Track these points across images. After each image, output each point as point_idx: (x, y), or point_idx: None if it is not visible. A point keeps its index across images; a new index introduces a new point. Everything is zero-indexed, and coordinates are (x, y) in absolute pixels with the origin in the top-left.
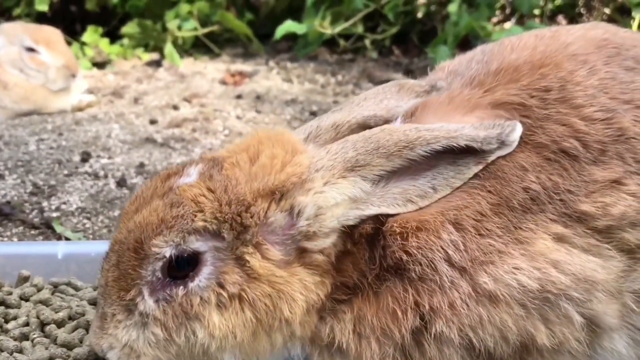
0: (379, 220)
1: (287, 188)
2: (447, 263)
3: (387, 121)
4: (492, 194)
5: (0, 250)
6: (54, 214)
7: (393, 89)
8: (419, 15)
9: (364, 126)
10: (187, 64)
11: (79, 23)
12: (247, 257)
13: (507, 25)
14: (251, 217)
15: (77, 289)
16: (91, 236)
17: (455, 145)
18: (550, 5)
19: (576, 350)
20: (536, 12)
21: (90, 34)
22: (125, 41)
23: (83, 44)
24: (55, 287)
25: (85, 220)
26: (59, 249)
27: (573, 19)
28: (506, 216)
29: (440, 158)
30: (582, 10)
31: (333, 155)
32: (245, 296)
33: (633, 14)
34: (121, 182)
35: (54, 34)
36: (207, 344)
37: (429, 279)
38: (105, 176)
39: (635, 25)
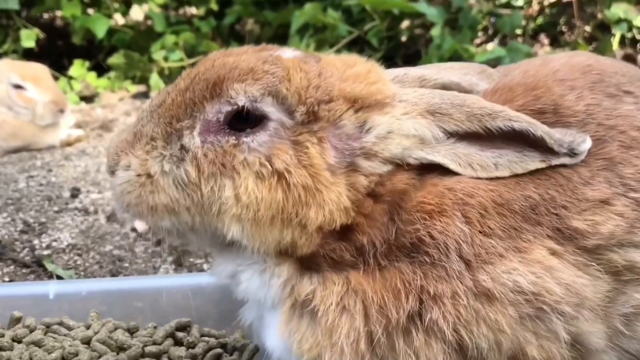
0: (412, 186)
1: (370, 102)
2: (457, 253)
3: (466, 92)
4: (496, 193)
5: None
6: (45, 252)
7: (477, 69)
8: (403, 39)
9: (446, 88)
10: None
11: (66, 57)
12: (308, 144)
13: (490, 46)
14: (328, 111)
15: (69, 328)
16: (82, 273)
17: (532, 131)
18: (532, 25)
19: None
20: (518, 31)
21: (77, 68)
22: (113, 74)
23: (70, 78)
24: (48, 327)
25: (76, 257)
26: (50, 288)
27: (555, 37)
28: (507, 218)
29: (511, 142)
30: (564, 29)
31: (420, 95)
32: (286, 177)
33: (613, 31)
34: (111, 217)
35: (41, 70)
36: (229, 204)
37: (440, 266)
38: (96, 211)
39: (615, 42)
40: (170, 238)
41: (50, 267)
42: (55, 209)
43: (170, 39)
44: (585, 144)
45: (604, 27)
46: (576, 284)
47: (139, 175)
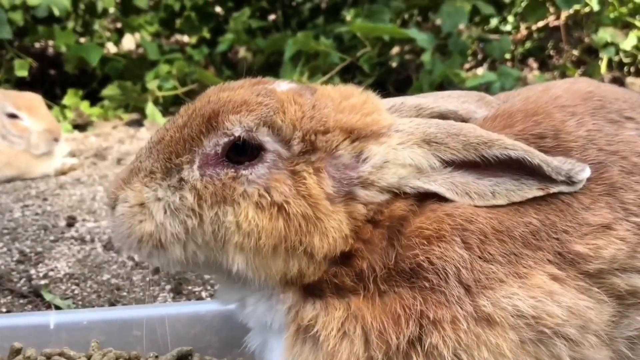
0: (411, 212)
1: (366, 133)
2: (457, 279)
3: (464, 121)
4: (495, 220)
5: None
6: (42, 282)
7: (475, 97)
8: (394, 65)
9: (443, 117)
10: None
11: (58, 86)
12: (305, 175)
13: (479, 71)
14: (325, 142)
15: (70, 358)
16: (80, 303)
17: (528, 159)
18: (520, 49)
19: None
20: (507, 56)
21: (71, 97)
22: (106, 102)
23: (64, 107)
24: (49, 358)
25: (74, 287)
26: (51, 318)
27: (543, 61)
28: (507, 244)
29: (508, 170)
30: (552, 53)
31: (415, 125)
32: (286, 208)
33: (600, 54)
34: (108, 246)
35: (35, 99)
36: (231, 231)
37: (439, 291)
38: (92, 240)
39: (603, 65)
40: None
41: (48, 297)
42: (52, 238)
43: (164, 68)
44: (584, 172)
45: (591, 51)
46: (578, 306)
47: (132, 205)
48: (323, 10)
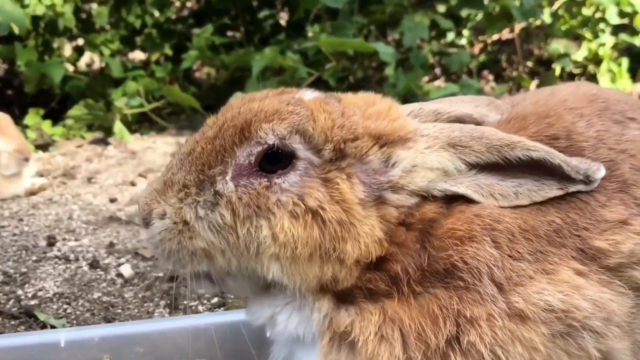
0: (440, 214)
1: (393, 138)
2: (489, 277)
3: (478, 124)
4: (521, 220)
5: (1, 343)
6: (32, 302)
7: (485, 101)
8: (358, 78)
9: (459, 121)
10: (135, 140)
11: (17, 106)
12: (338, 181)
13: (437, 83)
14: (354, 148)
15: None
16: (75, 322)
17: (549, 159)
18: (475, 62)
19: None
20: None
21: (32, 117)
22: (69, 122)
23: (25, 127)
24: None
25: (65, 306)
26: (61, 336)
27: (498, 73)
28: (533, 242)
29: (529, 171)
30: (505, 65)
31: (440, 129)
32: (321, 214)
33: (553, 65)
34: (94, 264)
35: (4, 119)
36: (267, 244)
37: (474, 290)
38: (77, 259)
39: (557, 74)
40: (205, 284)
41: (42, 316)
42: (34, 258)
43: (131, 85)
44: (600, 171)
45: (543, 62)
46: (602, 299)
47: (175, 222)
48: (285, 27)
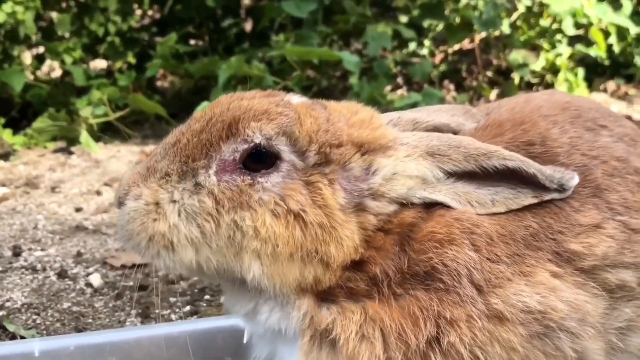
0: (420, 219)
1: (375, 146)
2: (469, 279)
3: (455, 133)
4: (499, 225)
5: None
6: (0, 313)
7: (461, 110)
8: (324, 86)
9: (437, 130)
10: (99, 149)
11: None
12: (321, 185)
13: (399, 92)
14: (339, 155)
15: None
16: (45, 332)
17: (524, 169)
18: (436, 72)
19: None
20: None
21: None
22: (30, 131)
23: None
24: None
25: (34, 316)
26: (35, 346)
27: (459, 83)
28: (511, 246)
29: (505, 179)
30: (465, 75)
31: (419, 138)
32: (303, 216)
33: (512, 75)
34: (62, 274)
35: None
36: (249, 236)
37: (454, 292)
38: (44, 269)
39: (516, 83)
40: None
41: (11, 327)
42: (0, 268)
43: (96, 94)
44: (574, 180)
45: (501, 72)
46: (578, 301)
47: (147, 203)
48: (249, 35)
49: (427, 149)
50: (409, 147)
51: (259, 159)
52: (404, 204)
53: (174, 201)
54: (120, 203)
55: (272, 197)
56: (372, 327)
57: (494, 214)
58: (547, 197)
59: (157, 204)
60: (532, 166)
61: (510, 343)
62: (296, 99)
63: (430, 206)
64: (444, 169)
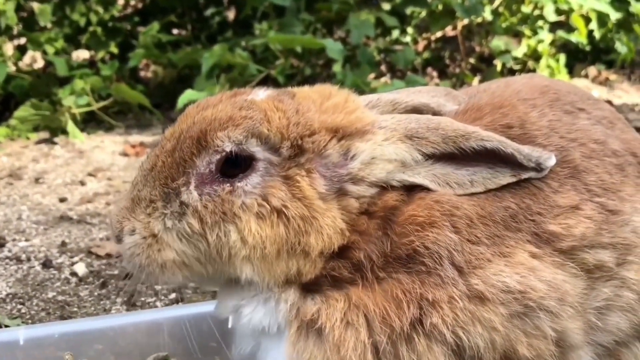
0: (401, 202)
1: (351, 131)
2: (450, 261)
3: (435, 114)
4: (478, 206)
5: None
6: None
7: (443, 92)
8: (308, 74)
9: (417, 111)
10: (83, 140)
11: None
12: (298, 178)
13: (383, 80)
14: (312, 143)
15: None
16: (30, 321)
17: (502, 149)
18: (419, 60)
19: None
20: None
21: None
22: (13, 122)
23: None
24: None
25: (19, 306)
26: (20, 334)
27: (442, 70)
28: (491, 227)
29: (483, 160)
30: (448, 62)
31: (397, 121)
32: (285, 212)
33: (495, 61)
34: (47, 263)
35: None
36: (237, 247)
37: (435, 274)
38: (28, 259)
39: (498, 70)
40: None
41: None
42: None
43: (78, 84)
44: (551, 160)
45: (484, 59)
46: (556, 280)
47: (144, 237)
48: (231, 24)
49: (405, 132)
50: (387, 130)
51: (235, 165)
52: (384, 187)
53: (169, 228)
54: (118, 240)
55: (255, 199)
56: (356, 314)
57: (473, 195)
58: (525, 175)
59: (154, 235)
60: (509, 146)
61: (492, 323)
62: (261, 94)
63: (412, 189)
64: (423, 151)
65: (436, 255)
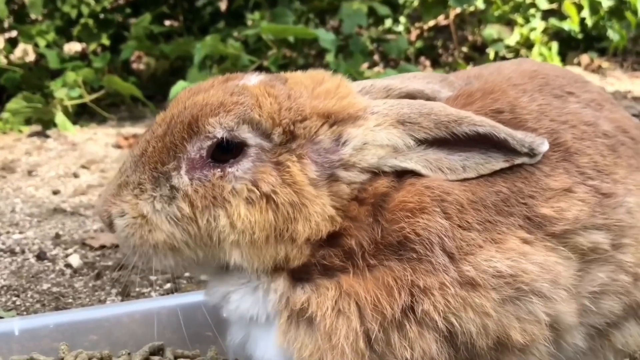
0: (392, 188)
1: (343, 116)
2: (441, 247)
3: (430, 100)
4: (469, 191)
5: None
6: None
7: (438, 78)
8: (301, 64)
9: (411, 97)
10: (75, 132)
11: None
12: (289, 163)
13: (376, 69)
14: (303, 129)
15: None
16: (25, 313)
17: (495, 134)
18: (412, 49)
19: (545, 349)
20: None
21: None
22: (5, 115)
23: None
24: None
25: (14, 298)
26: (15, 325)
27: (434, 59)
28: (482, 213)
29: (476, 145)
30: (441, 51)
31: (390, 106)
32: (274, 198)
33: (488, 50)
34: (41, 255)
35: None
36: (226, 232)
37: (426, 260)
38: (23, 251)
39: (491, 58)
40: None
41: None
42: None
43: (70, 76)
44: (544, 145)
45: (477, 48)
46: (548, 262)
47: (134, 217)
48: (224, 15)
49: (397, 117)
50: (380, 115)
51: (226, 150)
52: (376, 173)
53: (158, 210)
54: (110, 226)
55: (245, 185)
56: (347, 302)
57: (465, 179)
58: (518, 161)
59: (143, 216)
60: (502, 131)
61: (483, 308)
62: (254, 79)
63: (403, 174)
64: (415, 136)
65: (427, 241)
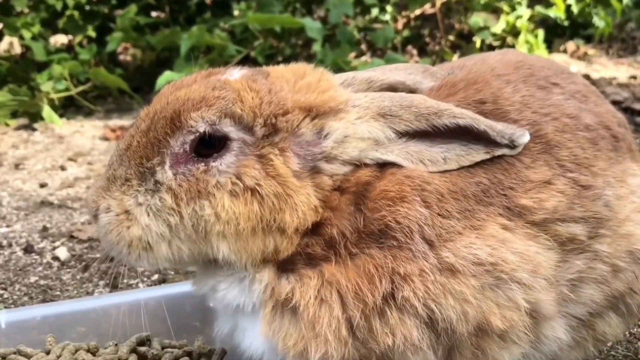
0: (374, 177)
1: (324, 110)
2: (420, 235)
3: (411, 91)
4: (450, 182)
5: None
6: None
7: (420, 69)
8: (288, 54)
9: (392, 88)
10: (62, 125)
11: None
12: (272, 156)
13: (363, 58)
14: (285, 122)
15: (27, 356)
16: (12, 306)
17: (475, 126)
18: (399, 38)
19: (525, 336)
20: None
21: None
22: None
23: None
24: (4, 358)
25: (1, 291)
26: (1, 317)
27: (421, 48)
28: (462, 202)
29: (457, 137)
30: (428, 40)
31: (371, 99)
32: (258, 190)
33: (474, 38)
34: (28, 249)
35: None
36: (211, 222)
37: (407, 248)
38: (10, 245)
39: (477, 46)
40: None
41: None
42: None
43: (56, 68)
44: (524, 137)
45: (463, 36)
46: (529, 252)
47: (117, 214)
48: (210, 5)
49: (378, 110)
50: (361, 109)
51: (209, 145)
52: (358, 165)
53: (140, 204)
54: (95, 218)
55: (229, 178)
56: (329, 290)
57: (446, 171)
58: (498, 152)
59: (127, 212)
60: (482, 123)
61: (463, 295)
62: (236, 73)
63: (384, 165)
64: (396, 129)
65: (407, 229)
